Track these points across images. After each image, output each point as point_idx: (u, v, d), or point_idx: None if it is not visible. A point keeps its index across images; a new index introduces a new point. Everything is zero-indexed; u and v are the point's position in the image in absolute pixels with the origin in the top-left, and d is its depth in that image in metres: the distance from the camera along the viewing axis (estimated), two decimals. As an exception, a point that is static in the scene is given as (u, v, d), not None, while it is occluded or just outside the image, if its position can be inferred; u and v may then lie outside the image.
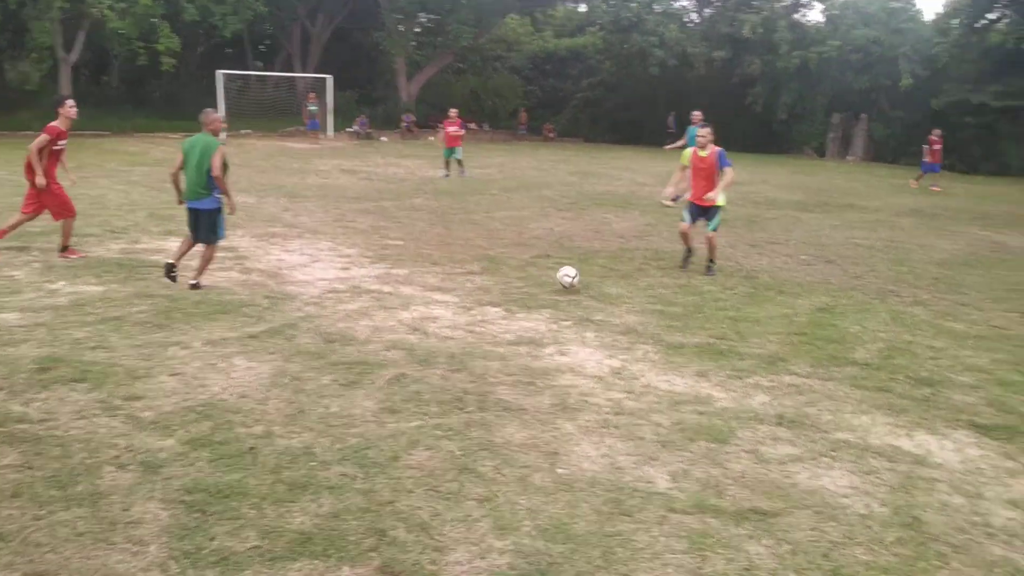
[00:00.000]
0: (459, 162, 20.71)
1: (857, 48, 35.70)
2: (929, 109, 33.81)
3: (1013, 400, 6.01)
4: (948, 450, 5.05)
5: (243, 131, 30.34)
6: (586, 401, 5.55)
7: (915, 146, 36.01)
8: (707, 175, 9.94)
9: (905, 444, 5.11)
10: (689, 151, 10.25)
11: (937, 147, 24.03)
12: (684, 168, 10.37)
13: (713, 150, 9.92)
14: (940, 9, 35.02)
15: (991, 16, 33.03)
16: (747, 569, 3.54)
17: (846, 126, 37.79)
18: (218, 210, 8.21)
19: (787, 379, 6.24)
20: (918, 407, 5.76)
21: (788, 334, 7.50)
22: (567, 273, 8.98)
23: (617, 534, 3.78)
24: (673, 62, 37.25)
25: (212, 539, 3.57)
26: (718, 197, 9.86)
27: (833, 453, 4.88)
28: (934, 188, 23.66)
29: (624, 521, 3.90)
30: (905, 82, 33.58)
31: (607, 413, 5.34)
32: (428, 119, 37.57)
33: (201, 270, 8.28)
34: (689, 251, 10.41)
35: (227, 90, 30.68)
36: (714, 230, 10.02)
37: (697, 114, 16.63)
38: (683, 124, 39.65)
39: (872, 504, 4.23)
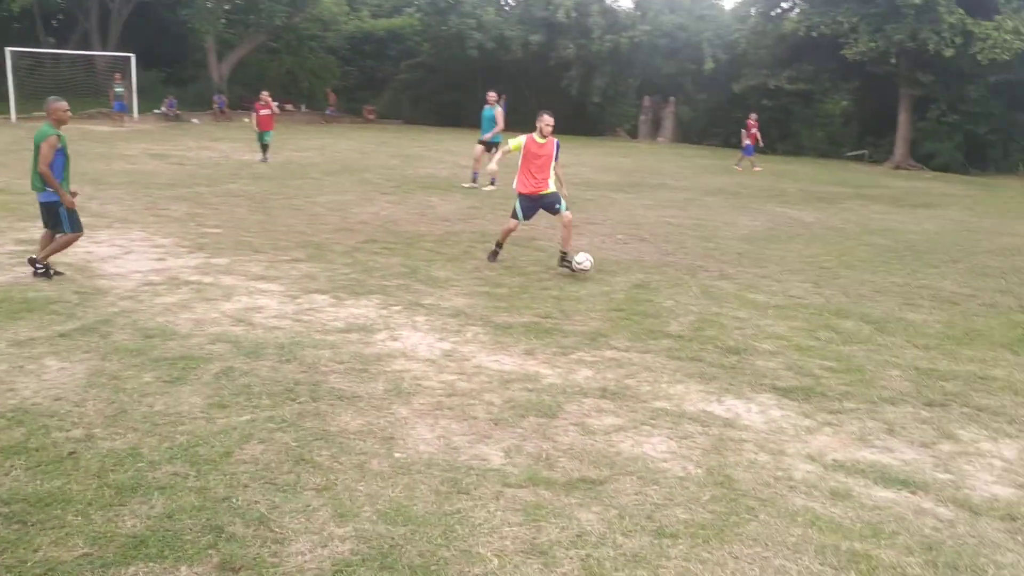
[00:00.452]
0: (265, 147, 20.11)
1: (665, 33, 37.49)
2: (730, 92, 36.08)
3: (809, 363, 6.62)
4: (754, 412, 5.52)
5: (36, 113, 28.13)
6: (419, 385, 5.64)
7: (718, 127, 38.46)
8: (542, 165, 9.53)
9: (716, 409, 5.53)
10: (524, 138, 9.62)
11: (754, 130, 25.75)
12: (509, 153, 9.88)
13: (551, 140, 9.60)
14: (739, -2, 37.29)
15: (784, 5, 35.56)
16: (579, 535, 3.75)
17: (656, 109, 39.66)
18: (56, 203, 7.77)
19: (608, 354, 6.58)
20: (727, 374, 6.24)
21: (608, 311, 7.89)
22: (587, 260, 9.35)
23: (456, 512, 3.90)
24: (491, 45, 37.71)
25: (36, 550, 3.40)
26: (551, 186, 9.63)
27: (653, 421, 5.22)
28: (756, 168, 25.32)
29: (462, 499, 4.03)
30: (708, 66, 35.60)
31: (440, 395, 5.46)
32: (242, 100, 36.22)
33: (46, 252, 7.93)
34: (500, 247, 9.96)
35: (16, 69, 28.34)
36: (567, 209, 9.64)
37: (492, 95, 16.81)
38: (512, 108, 40.32)
39: (689, 466, 4.58)
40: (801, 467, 4.69)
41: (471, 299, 8.06)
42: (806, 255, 11.58)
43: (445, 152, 24.90)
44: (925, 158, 31.37)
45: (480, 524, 3.82)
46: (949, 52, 28.17)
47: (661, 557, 3.60)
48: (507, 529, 3.79)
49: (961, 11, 28.21)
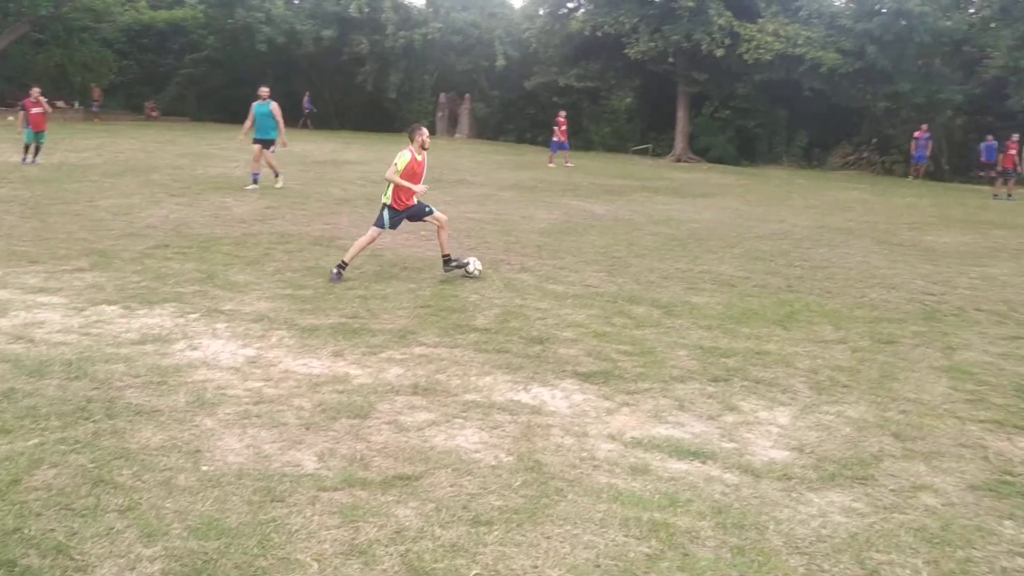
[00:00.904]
0: (37, 148, 18.58)
1: (457, 30, 37.94)
2: (523, 89, 37.09)
3: (607, 348, 7.00)
4: (558, 398, 5.78)
5: None
6: (224, 394, 5.48)
7: (513, 123, 39.41)
8: (419, 180, 9.15)
9: (523, 398, 5.75)
10: (408, 155, 8.92)
11: (564, 127, 26.60)
12: (398, 173, 8.93)
13: (425, 153, 9.15)
14: (527, -4, 38.35)
15: (571, 5, 36.92)
16: (398, 532, 3.81)
17: (452, 105, 40.09)
18: None
19: (418, 350, 6.66)
20: (531, 363, 6.49)
21: (415, 307, 7.97)
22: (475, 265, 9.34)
23: (271, 521, 3.85)
24: (281, 39, 36.70)
25: None
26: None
27: (464, 414, 5.35)
28: (568, 164, 26.09)
29: (277, 507, 3.98)
30: (500, 63, 36.38)
31: (247, 404, 5.33)
32: (5, 97, 33.22)
33: None
34: (343, 266, 9.01)
35: None
36: (434, 213, 9.35)
37: (264, 90, 16.26)
38: (322, 104, 39.27)
39: (500, 455, 4.74)
40: (603, 447, 4.98)
41: (274, 303, 7.88)
42: (599, 246, 12.16)
43: (237, 151, 23.98)
44: (702, 151, 33.65)
45: (297, 530, 3.79)
46: (720, 52, 30.36)
47: (478, 544, 3.73)
48: (325, 533, 3.78)
49: (729, 14, 30.48)
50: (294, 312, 7.58)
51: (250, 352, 6.39)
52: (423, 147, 9.10)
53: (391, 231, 9.70)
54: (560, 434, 5.13)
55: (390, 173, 9.03)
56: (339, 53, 37.97)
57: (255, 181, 16.16)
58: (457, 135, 38.90)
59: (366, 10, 36.16)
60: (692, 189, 21.66)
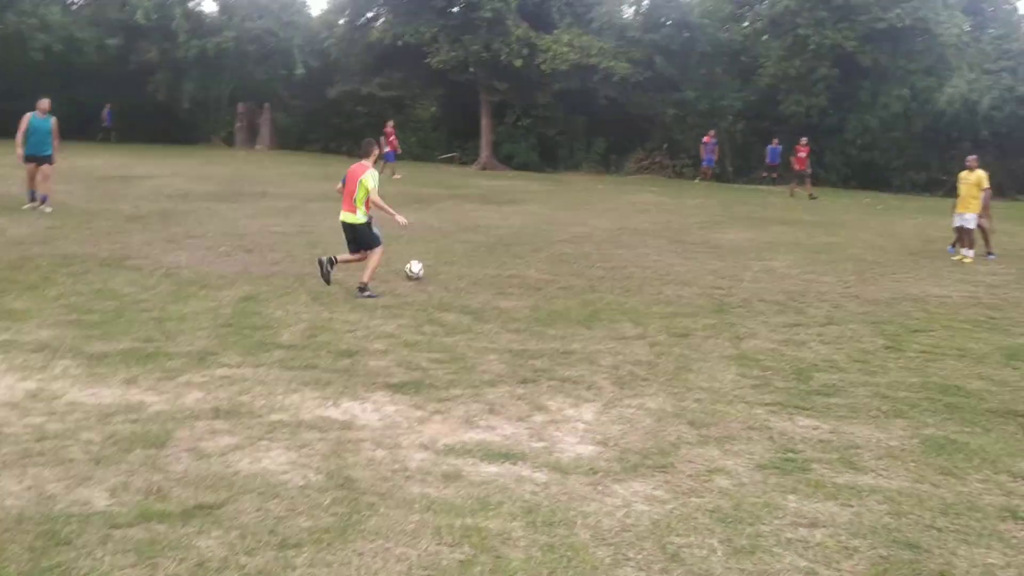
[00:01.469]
0: None
1: (253, 39, 36.70)
2: (326, 99, 36.43)
3: (417, 358, 6.98)
4: (369, 412, 5.70)
5: None
6: (0, 432, 5.01)
7: (317, 133, 38.62)
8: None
9: (333, 413, 5.63)
10: (376, 174, 9.61)
11: (392, 137, 26.40)
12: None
13: None
14: (326, 5, 37.72)
15: (370, 14, 36.61)
16: (199, 564, 3.61)
17: (251, 115, 38.76)
18: None
19: (219, 372, 6.37)
20: (341, 378, 6.37)
21: (215, 327, 7.62)
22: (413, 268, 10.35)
23: (56, 567, 3.55)
24: (59, 47, 34.12)
25: None
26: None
27: (270, 435, 5.17)
28: (396, 176, 25.84)
29: (63, 551, 3.67)
30: (299, 71, 35.52)
31: (28, 441, 4.89)
32: None
33: None
34: (364, 287, 9.38)
35: None
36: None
37: (44, 102, 14.76)
38: (122, 117, 36.45)
39: (309, 474, 4.61)
40: (416, 456, 4.95)
41: (57, 330, 7.29)
42: (408, 255, 12.11)
43: (12, 167, 22.07)
44: (507, 158, 34.32)
45: (87, 574, 3.51)
46: (518, 62, 31.11)
47: (286, 569, 3.60)
48: (118, 573, 3.53)
49: (526, 25, 31.30)
50: (80, 339, 7.04)
51: (30, 385, 5.88)
52: (376, 161, 9.77)
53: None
54: (372, 448, 5.06)
55: (376, 196, 9.48)
56: (126, 62, 35.76)
57: (33, 199, 14.89)
58: (258, 146, 37.63)
59: (154, 17, 34.27)
60: (498, 196, 22.04)
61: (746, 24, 35.47)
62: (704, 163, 30.94)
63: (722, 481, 4.81)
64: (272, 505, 4.20)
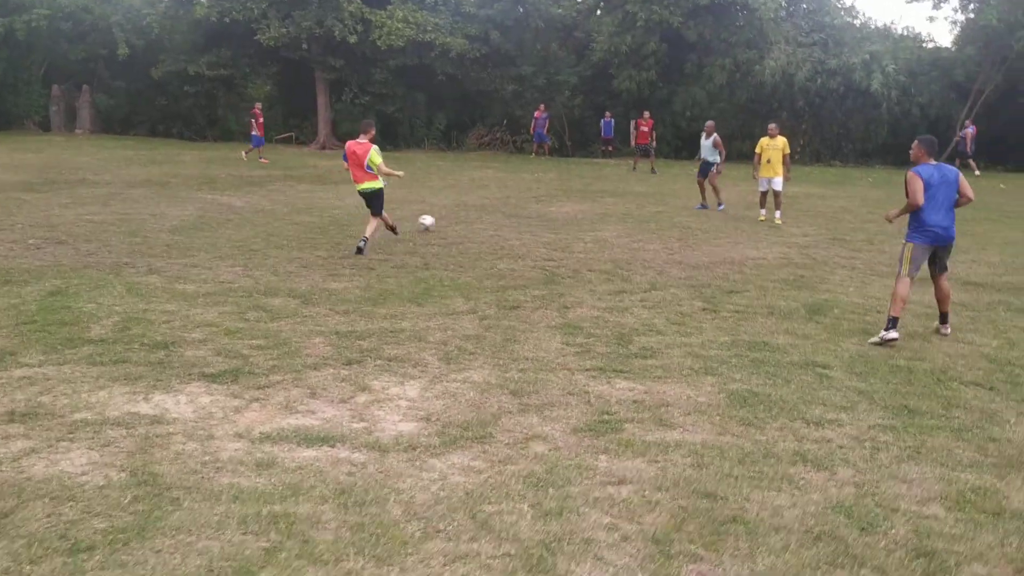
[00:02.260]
0: None
1: (67, 16, 34.36)
2: (151, 79, 34.57)
3: (238, 345, 6.77)
4: (183, 404, 5.49)
5: None
6: None
7: (142, 116, 36.65)
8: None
9: (143, 408, 5.38)
10: (379, 150, 11.18)
11: (260, 120, 25.41)
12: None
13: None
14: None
15: (191, -11, 34.87)
16: (-22, 579, 3.39)
17: (69, 97, 36.34)
18: None
19: (18, 373, 5.97)
20: (154, 371, 6.10)
21: (16, 325, 7.13)
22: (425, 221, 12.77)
23: None
24: None
25: None
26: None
27: (71, 435, 4.89)
28: (263, 160, 24.84)
29: None
30: (122, 51, 33.55)
31: None
32: None
33: None
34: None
35: None
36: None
37: None
38: None
39: (111, 473, 4.39)
40: (229, 447, 4.81)
41: None
42: (236, 240, 11.73)
43: None
44: (346, 137, 33.48)
45: None
46: (353, 39, 30.48)
47: (75, 574, 3.42)
48: None
49: (359, 1, 30.69)
50: None
51: None
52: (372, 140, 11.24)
53: None
54: (182, 441, 4.88)
55: (383, 165, 11.23)
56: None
57: None
58: (77, 130, 35.29)
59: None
60: (335, 176, 21.62)
61: (579, 0, 36.13)
62: (536, 138, 31.39)
63: (538, 447, 4.92)
64: (66, 509, 3.97)
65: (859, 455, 4.91)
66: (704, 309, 8.51)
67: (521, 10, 31.98)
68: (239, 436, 4.98)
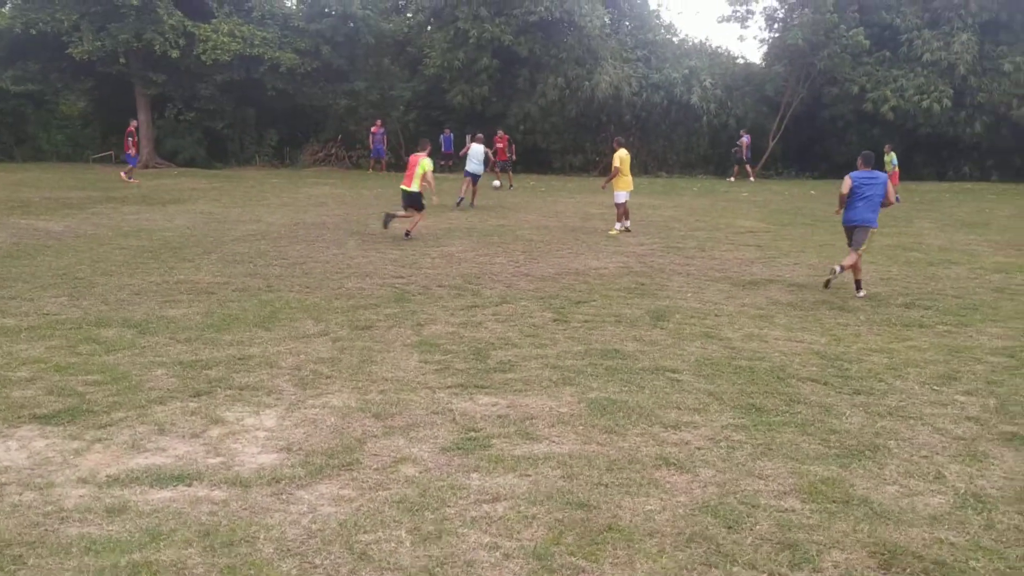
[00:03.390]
0: None
1: None
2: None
3: (71, 382, 6.29)
4: (14, 450, 5.03)
5: None
6: None
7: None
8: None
9: (-32, 458, 4.89)
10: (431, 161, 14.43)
11: (135, 139, 24.99)
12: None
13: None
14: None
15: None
16: None
17: None
18: None
19: None
20: (-23, 415, 5.56)
21: None
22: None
23: None
24: None
25: None
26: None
27: None
28: (132, 180, 23.29)
29: None
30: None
31: None
32: None
33: None
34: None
35: None
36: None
37: None
38: None
39: (-63, 534, 3.96)
40: (73, 494, 4.45)
41: None
42: (58, 267, 10.93)
43: None
44: (171, 155, 32.13)
45: None
46: (175, 53, 29.14)
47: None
48: None
49: (180, 14, 29.37)
50: None
51: None
52: (428, 154, 14.32)
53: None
54: (18, 491, 4.47)
55: (429, 173, 14.07)
56: None
57: None
58: None
59: None
60: (162, 195, 20.59)
61: (410, 15, 36.12)
62: (373, 153, 31.13)
63: (408, 470, 4.84)
64: None
65: (717, 455, 5.13)
66: (555, 320, 8.66)
67: (351, 25, 31.60)
68: (83, 481, 4.62)
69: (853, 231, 10.30)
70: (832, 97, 33.94)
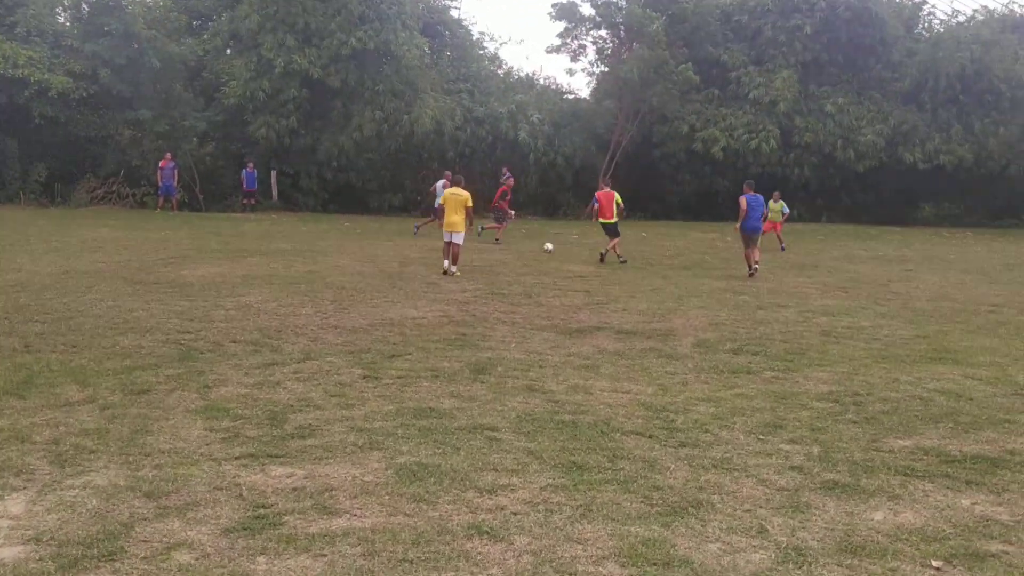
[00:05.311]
0: None
1: None
2: None
3: None
4: None
5: None
6: None
7: None
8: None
9: None
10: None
11: None
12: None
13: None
14: None
15: None
16: None
17: None
18: None
19: None
20: None
21: None
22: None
23: None
24: None
25: None
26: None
27: None
28: None
29: None
30: None
31: None
32: None
33: None
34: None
35: None
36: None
37: None
38: None
39: None
40: None
41: None
42: None
43: None
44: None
45: None
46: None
47: None
48: None
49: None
50: None
51: None
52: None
53: None
54: None
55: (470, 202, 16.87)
56: None
57: None
58: None
59: None
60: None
61: (205, 37, 35.23)
62: (162, 190, 30.04)
63: (182, 557, 4.59)
64: None
65: (534, 520, 5.18)
66: (365, 377, 8.56)
67: (135, 46, 30.48)
68: None
69: (750, 236, 17.68)
70: (663, 135, 35.86)
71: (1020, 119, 35.72)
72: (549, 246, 21.00)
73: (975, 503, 5.71)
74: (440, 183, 22.97)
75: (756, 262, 17.58)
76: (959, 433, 7.26)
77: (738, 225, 17.72)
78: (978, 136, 35.57)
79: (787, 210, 24.78)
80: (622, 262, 19.04)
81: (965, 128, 35.71)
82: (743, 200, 17.54)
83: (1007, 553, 4.92)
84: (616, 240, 19.36)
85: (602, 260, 19.34)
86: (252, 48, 31.73)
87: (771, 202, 21.59)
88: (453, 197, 16.81)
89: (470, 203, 16.71)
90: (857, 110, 36.21)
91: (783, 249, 23.25)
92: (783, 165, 35.67)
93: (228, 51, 34.85)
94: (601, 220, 19.36)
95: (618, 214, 19.27)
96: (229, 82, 32.25)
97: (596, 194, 20.00)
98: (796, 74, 35.62)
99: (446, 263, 16.57)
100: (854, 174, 36.17)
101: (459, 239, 16.58)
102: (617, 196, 19.29)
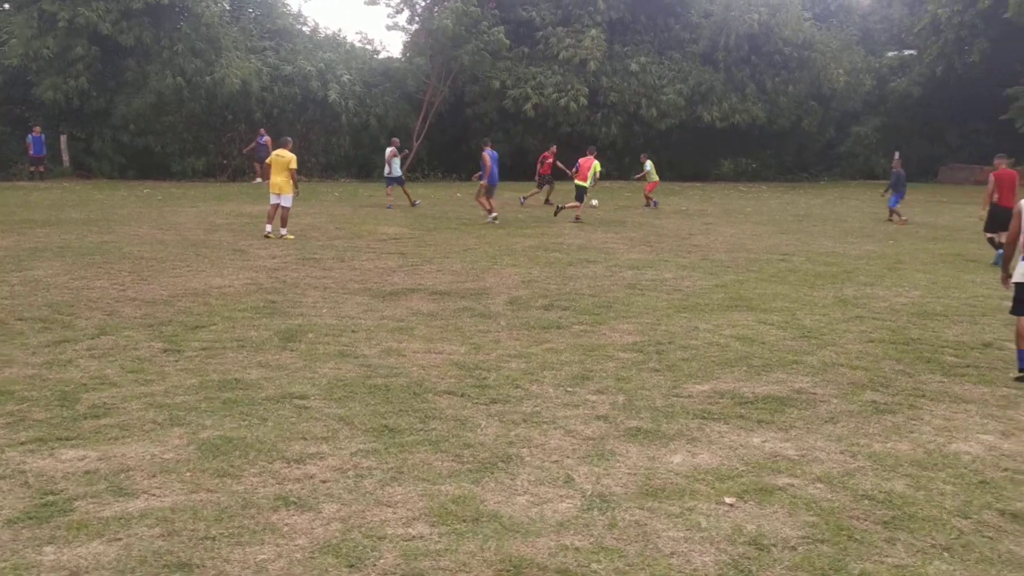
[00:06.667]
0: None
1: None
2: None
3: None
4: None
5: None
6: None
7: None
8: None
9: None
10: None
11: None
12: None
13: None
14: None
15: None
16: None
17: None
18: None
19: None
20: None
21: None
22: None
23: None
24: None
25: None
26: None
27: None
28: None
29: None
30: None
31: None
32: None
33: None
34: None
35: None
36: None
37: None
38: None
39: None
40: None
41: None
42: None
43: None
44: None
45: None
46: None
47: None
48: None
49: None
50: None
51: None
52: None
53: None
54: None
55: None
56: None
57: None
58: None
59: None
60: None
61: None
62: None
63: (-43, 554, 4.25)
64: None
65: (343, 487, 5.11)
66: (166, 351, 8.18)
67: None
68: None
69: (493, 188, 19.89)
70: (475, 95, 35.91)
71: (807, 78, 37.99)
72: (595, 202, 23.23)
73: (765, 441, 6.08)
74: (388, 150, 23.33)
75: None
76: (752, 376, 7.70)
77: (483, 178, 19.81)
78: (770, 95, 37.63)
79: (648, 168, 25.44)
80: (555, 214, 21.03)
81: (758, 87, 37.67)
82: (486, 155, 19.66)
83: (792, 486, 5.26)
84: (577, 204, 20.52)
85: (556, 215, 21.02)
86: (32, 2, 29.39)
87: (594, 161, 21.92)
88: (278, 159, 16.44)
89: (294, 165, 16.34)
90: (659, 69, 37.43)
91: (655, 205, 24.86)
92: (591, 124, 36.50)
93: (6, 6, 32.19)
94: (576, 182, 20.58)
95: (593, 180, 20.48)
96: (8, 40, 29.80)
97: (579, 160, 20.91)
98: (604, 33, 36.43)
99: (268, 227, 16.35)
100: (657, 132, 37.41)
101: (287, 201, 16.43)
102: (596, 165, 20.66)
